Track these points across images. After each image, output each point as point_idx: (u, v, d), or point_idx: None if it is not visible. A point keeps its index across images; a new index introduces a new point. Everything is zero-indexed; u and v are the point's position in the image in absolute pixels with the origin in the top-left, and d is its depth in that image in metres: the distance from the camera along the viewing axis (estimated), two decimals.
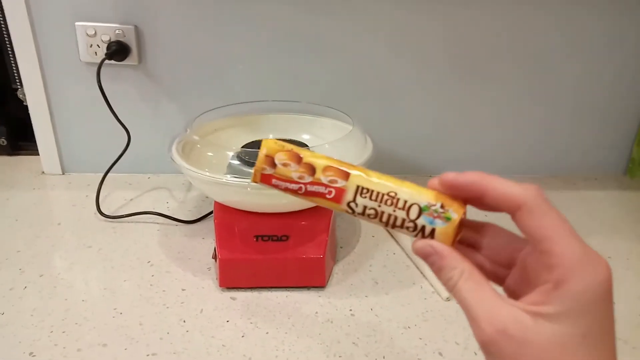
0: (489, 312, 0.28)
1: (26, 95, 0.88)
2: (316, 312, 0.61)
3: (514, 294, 0.32)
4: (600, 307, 0.27)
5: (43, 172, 0.94)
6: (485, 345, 0.28)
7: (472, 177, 0.30)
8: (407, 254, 0.73)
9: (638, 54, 0.90)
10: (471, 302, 0.29)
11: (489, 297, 0.29)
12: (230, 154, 0.68)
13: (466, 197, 0.31)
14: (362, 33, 0.86)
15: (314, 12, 0.84)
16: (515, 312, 0.28)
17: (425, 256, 0.32)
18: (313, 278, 0.65)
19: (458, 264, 0.30)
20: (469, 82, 0.90)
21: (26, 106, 0.89)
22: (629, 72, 0.92)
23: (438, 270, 0.31)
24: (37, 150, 0.92)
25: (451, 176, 0.31)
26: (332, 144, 0.69)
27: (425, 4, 0.84)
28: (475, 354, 0.56)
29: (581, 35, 0.88)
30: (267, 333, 0.58)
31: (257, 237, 0.65)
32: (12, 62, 0.89)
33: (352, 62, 0.88)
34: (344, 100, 0.90)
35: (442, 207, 0.32)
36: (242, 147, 0.71)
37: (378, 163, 0.64)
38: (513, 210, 0.29)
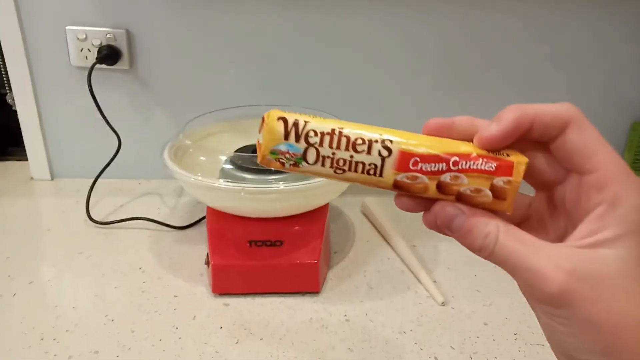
0: (550, 258, 0.25)
1: (15, 100, 0.87)
2: (310, 318, 0.61)
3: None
4: None
5: (32, 178, 0.92)
6: (560, 296, 0.24)
7: (513, 115, 0.26)
8: (401, 259, 0.73)
9: (625, 62, 0.91)
10: (525, 253, 0.25)
11: (539, 244, 0.25)
12: (223, 158, 0.67)
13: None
14: (352, 41, 0.86)
15: (304, 19, 0.84)
16: (574, 251, 0.25)
17: (449, 220, 0.27)
18: (307, 284, 0.65)
19: (489, 218, 0.26)
20: (457, 90, 0.91)
21: (15, 111, 0.88)
22: (617, 80, 0.92)
23: (467, 233, 0.27)
24: (26, 155, 0.91)
25: (494, 129, 0.26)
26: None
27: (414, 14, 0.84)
28: (471, 358, 0.55)
29: (569, 45, 0.89)
30: (261, 339, 0.57)
31: (250, 242, 0.64)
32: (1, 66, 0.88)
33: (343, 70, 0.88)
34: (334, 107, 0.90)
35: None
36: (235, 151, 0.71)
37: None
38: (561, 130, 0.26)
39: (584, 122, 0.26)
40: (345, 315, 0.62)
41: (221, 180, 0.62)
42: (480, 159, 0.26)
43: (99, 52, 0.82)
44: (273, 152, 0.27)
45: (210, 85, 0.88)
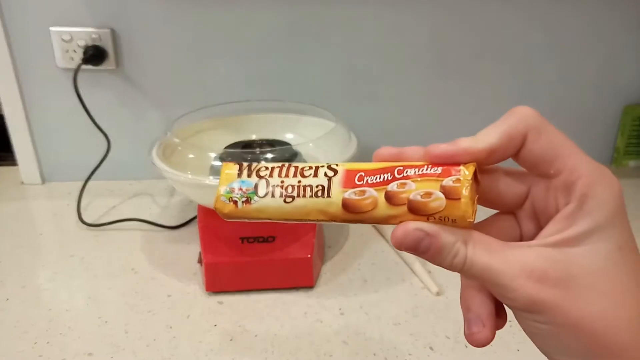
0: (519, 266, 0.24)
1: (2, 104, 0.86)
2: (305, 313, 0.61)
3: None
4: (624, 218, 0.24)
5: (22, 183, 0.92)
6: (533, 305, 0.24)
7: (465, 143, 0.25)
8: (395, 251, 0.72)
9: (618, 47, 0.91)
10: (495, 265, 0.24)
11: (507, 251, 0.25)
12: (213, 155, 0.67)
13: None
14: (344, 32, 0.86)
15: (294, 10, 0.84)
16: (542, 253, 0.24)
17: (416, 243, 0.25)
18: (301, 278, 0.64)
19: (455, 235, 0.25)
20: (452, 80, 0.90)
21: (2, 116, 0.87)
22: (610, 65, 0.92)
23: (437, 254, 0.25)
24: (16, 160, 0.90)
25: (444, 146, 0.26)
26: (315, 141, 0.68)
27: (406, 3, 0.84)
28: (466, 346, 0.55)
29: (563, 32, 0.89)
30: (255, 336, 0.57)
31: (242, 239, 0.64)
32: None
33: (334, 62, 0.88)
34: (328, 99, 0.89)
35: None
36: (225, 147, 0.70)
37: (362, 160, 0.64)
38: (520, 145, 0.25)
39: (542, 127, 0.25)
40: (340, 309, 0.61)
41: (211, 177, 0.62)
42: (426, 166, 0.26)
43: (84, 52, 0.81)
44: (226, 192, 0.28)
45: (199, 81, 0.87)
